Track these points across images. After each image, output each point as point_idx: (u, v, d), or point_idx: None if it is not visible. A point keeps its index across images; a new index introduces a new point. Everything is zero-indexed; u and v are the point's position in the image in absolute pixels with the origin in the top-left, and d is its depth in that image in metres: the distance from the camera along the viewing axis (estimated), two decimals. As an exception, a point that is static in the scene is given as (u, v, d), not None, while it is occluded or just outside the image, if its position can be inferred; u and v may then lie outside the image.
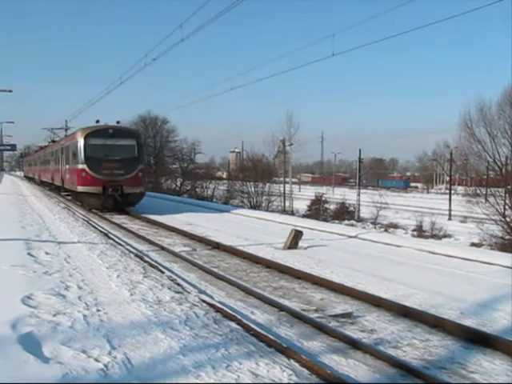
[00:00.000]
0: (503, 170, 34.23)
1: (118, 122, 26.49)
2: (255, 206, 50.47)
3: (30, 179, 58.67)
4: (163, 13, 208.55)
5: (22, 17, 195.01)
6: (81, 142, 23.92)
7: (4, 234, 13.73)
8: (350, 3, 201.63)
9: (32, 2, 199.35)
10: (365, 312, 7.79)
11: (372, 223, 46.91)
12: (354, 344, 6.23)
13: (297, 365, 5.33)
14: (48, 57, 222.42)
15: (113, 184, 23.02)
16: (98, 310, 6.93)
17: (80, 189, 23.74)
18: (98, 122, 25.64)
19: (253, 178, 55.92)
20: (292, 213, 50.97)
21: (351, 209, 54.21)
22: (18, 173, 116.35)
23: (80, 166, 23.69)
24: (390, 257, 12.66)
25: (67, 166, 27.22)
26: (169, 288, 8.51)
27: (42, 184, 43.08)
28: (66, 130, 61.51)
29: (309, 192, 67.22)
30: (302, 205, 56.58)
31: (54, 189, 34.75)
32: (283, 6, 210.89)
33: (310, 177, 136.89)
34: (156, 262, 11.32)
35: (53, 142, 43.34)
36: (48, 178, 37.27)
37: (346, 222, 46.80)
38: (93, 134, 24.26)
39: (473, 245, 30.86)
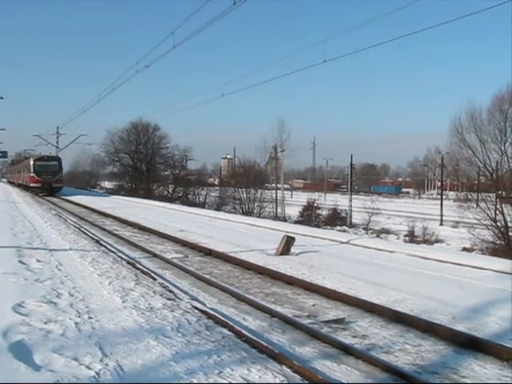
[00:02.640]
0: (494, 176, 34.37)
1: (50, 153, 59.79)
2: (247, 213, 50.51)
3: (11, 183, 78.43)
4: (155, 20, 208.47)
5: (14, 22, 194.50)
6: (31, 163, 48.17)
7: (-5, 241, 13.67)
8: (342, 10, 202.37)
9: (23, 9, 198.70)
10: (357, 317, 7.80)
11: (364, 229, 46.99)
12: (347, 349, 6.23)
13: (289, 371, 5.33)
14: (39, 63, 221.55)
15: (46, 182, 46.63)
16: (89, 318, 6.91)
17: (31, 185, 47.81)
18: (40, 153, 59.37)
19: (245, 184, 55.99)
20: (284, 219, 51.03)
21: (343, 215, 54.27)
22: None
23: (31, 174, 47.43)
24: (382, 262, 12.69)
25: (27, 174, 50.71)
26: (161, 295, 8.50)
27: (18, 186, 61.66)
28: (58, 137, 62.27)
29: (301, 198, 67.24)
30: (294, 211, 56.63)
31: (24, 187, 54.79)
32: (275, 11, 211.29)
33: (301, 183, 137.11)
34: (149, 268, 11.30)
35: (25, 158, 65.29)
36: (21, 181, 58.35)
37: (338, 227, 46.85)
38: (37, 159, 49.64)
39: (464, 250, 30.92)
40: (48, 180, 46.75)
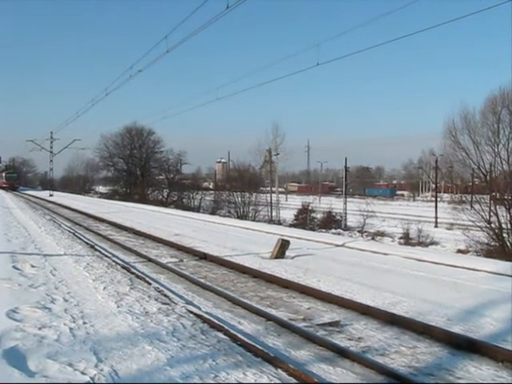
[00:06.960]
0: (488, 177, 34.45)
1: (15, 169, 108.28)
2: (242, 216, 50.41)
3: None
4: (149, 24, 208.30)
5: (7, 27, 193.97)
6: (3, 174, 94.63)
7: (-12, 247, 13.62)
8: (335, 13, 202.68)
9: (15, 14, 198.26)
10: (352, 320, 7.80)
11: (359, 231, 46.93)
12: (342, 352, 6.23)
13: (284, 374, 5.31)
14: (33, 68, 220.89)
15: (11, 183, 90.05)
16: (84, 323, 6.88)
17: (3, 185, 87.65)
18: (9, 168, 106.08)
19: (239, 188, 55.93)
20: (279, 222, 50.93)
21: (338, 217, 54.16)
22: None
23: (4, 180, 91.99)
24: (377, 265, 12.71)
25: (0, 180, 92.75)
26: (156, 299, 8.47)
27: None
28: (52, 142, 62.47)
29: (295, 201, 67.21)
30: (288, 214, 56.56)
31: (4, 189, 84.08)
32: (268, 15, 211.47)
33: (296, 186, 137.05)
34: (143, 273, 11.27)
35: (0, 172, 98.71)
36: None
37: (333, 230, 46.80)
38: (7, 172, 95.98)
39: (459, 251, 31.00)
40: (12, 182, 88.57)
